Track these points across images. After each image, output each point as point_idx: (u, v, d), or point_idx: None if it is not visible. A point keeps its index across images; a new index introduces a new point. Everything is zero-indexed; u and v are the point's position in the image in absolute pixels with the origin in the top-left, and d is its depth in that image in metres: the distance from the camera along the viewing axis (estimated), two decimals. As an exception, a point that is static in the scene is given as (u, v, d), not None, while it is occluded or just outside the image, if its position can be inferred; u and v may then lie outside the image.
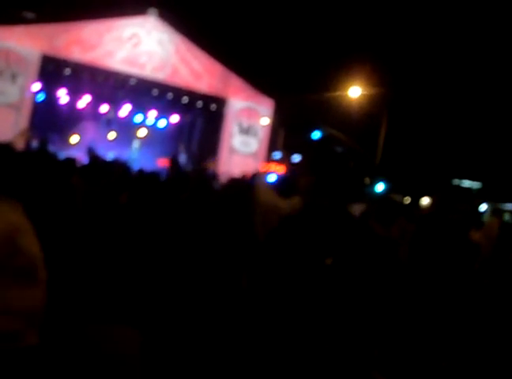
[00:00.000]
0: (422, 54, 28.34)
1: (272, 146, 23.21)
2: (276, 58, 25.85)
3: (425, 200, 22.16)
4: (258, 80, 22.07)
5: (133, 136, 23.90)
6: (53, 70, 19.07)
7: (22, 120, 18.41)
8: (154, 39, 20.34)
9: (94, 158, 6.84)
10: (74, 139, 22.62)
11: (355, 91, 23.74)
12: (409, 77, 27.96)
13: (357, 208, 6.44)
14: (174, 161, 7.49)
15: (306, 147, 25.61)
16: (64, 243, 5.84)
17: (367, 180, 28.03)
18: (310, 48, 27.26)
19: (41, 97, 20.08)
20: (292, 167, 21.68)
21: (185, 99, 21.16)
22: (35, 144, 17.15)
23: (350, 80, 23.89)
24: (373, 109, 25.28)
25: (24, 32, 18.53)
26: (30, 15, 22.33)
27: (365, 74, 24.22)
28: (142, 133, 23.70)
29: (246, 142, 21.87)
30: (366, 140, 26.24)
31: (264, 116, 21.95)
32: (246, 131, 21.80)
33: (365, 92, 23.77)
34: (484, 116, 29.78)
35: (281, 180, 8.23)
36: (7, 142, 8.40)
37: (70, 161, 7.97)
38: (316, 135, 25.51)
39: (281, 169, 22.53)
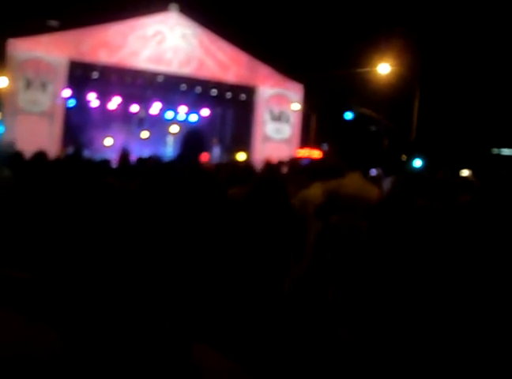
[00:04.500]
0: (453, 23, 27.78)
1: (305, 131, 23.07)
2: (302, 41, 25.62)
3: (464, 173, 21.78)
4: (286, 65, 21.93)
5: (166, 133, 24.00)
6: (81, 75, 19.26)
7: (55, 127, 18.65)
8: (178, 34, 20.34)
9: (125, 157, 6.85)
10: (108, 141, 22.81)
11: (384, 68, 23.41)
12: (439, 48, 27.45)
13: (388, 182, 6.34)
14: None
15: (339, 129, 25.45)
16: (103, 239, 5.85)
17: (404, 157, 27.71)
18: (335, 27, 26.95)
19: (72, 103, 20.27)
20: (327, 151, 21.54)
21: (214, 92, 21.14)
22: (70, 150, 17.37)
23: (379, 57, 23.57)
24: (404, 84, 24.88)
25: (50, 41, 18.76)
26: (54, 23, 22.59)
27: (394, 49, 23.87)
28: (174, 129, 23.76)
29: (279, 129, 21.77)
30: (399, 116, 25.90)
31: (294, 101, 21.81)
32: (277, 118, 21.70)
33: (395, 68, 23.42)
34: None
35: (313, 164, 8.10)
36: (42, 150, 8.49)
37: (104, 162, 8.02)
38: (348, 116, 25.31)
39: (316, 153, 22.40)
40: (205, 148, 5.03)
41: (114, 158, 9.76)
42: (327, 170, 5.81)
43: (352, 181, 5.55)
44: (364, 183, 5.80)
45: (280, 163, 8.93)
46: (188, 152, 4.78)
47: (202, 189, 4.72)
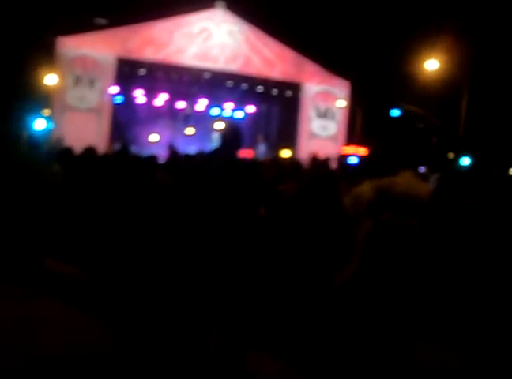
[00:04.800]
0: (502, 19, 27.16)
1: (351, 128, 22.86)
2: (348, 38, 25.37)
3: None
4: (332, 62, 21.74)
5: (211, 129, 24.05)
6: (128, 72, 19.48)
7: (103, 123, 18.87)
8: (224, 31, 20.37)
9: (174, 153, 6.85)
10: (153, 137, 22.97)
11: (432, 64, 23.03)
12: (490, 43, 26.87)
13: (434, 180, 6.22)
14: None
15: (386, 126, 25.15)
16: (151, 234, 5.88)
17: (451, 154, 27.23)
18: (383, 22, 26.60)
19: (119, 99, 20.49)
20: (374, 148, 21.28)
21: (260, 88, 21.15)
22: (117, 146, 17.56)
23: (427, 53, 23.19)
24: (452, 80, 24.44)
25: (97, 38, 19.00)
26: (102, 21, 22.86)
27: (442, 45, 23.45)
28: (219, 125, 23.78)
29: (325, 126, 21.62)
30: (447, 113, 25.46)
31: (340, 98, 21.64)
32: (323, 115, 21.55)
33: (443, 64, 23.01)
34: None
35: (364, 161, 8.00)
36: (91, 146, 8.57)
37: (152, 158, 8.05)
38: (395, 113, 24.99)
39: (362, 151, 22.16)
40: (243, 144, 5.00)
41: (160, 154, 9.82)
42: (379, 167, 5.72)
43: (404, 179, 5.46)
44: (416, 181, 5.70)
45: (328, 160, 8.85)
46: (225, 148, 4.76)
47: (240, 184, 4.69)
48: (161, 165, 7.41)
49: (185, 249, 5.25)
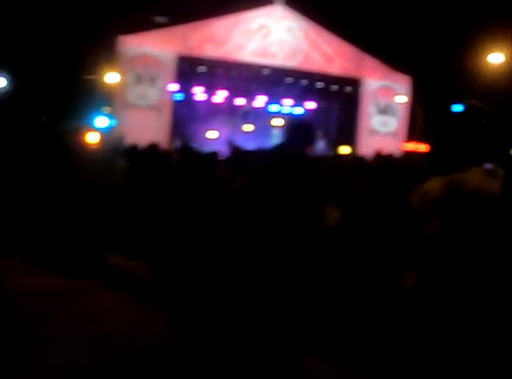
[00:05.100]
0: None
1: (412, 124, 22.47)
2: (409, 32, 24.93)
3: None
4: (393, 57, 21.42)
5: (271, 126, 24.02)
6: (188, 69, 19.64)
7: (163, 120, 19.09)
8: (283, 27, 20.34)
9: (236, 149, 6.83)
10: (212, 134, 23.09)
11: (496, 57, 22.42)
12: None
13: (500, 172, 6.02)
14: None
15: (448, 121, 24.63)
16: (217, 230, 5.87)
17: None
18: (444, 17, 26.04)
19: (179, 96, 20.68)
20: (436, 144, 20.84)
21: (319, 84, 21.02)
22: (177, 143, 17.72)
23: (490, 46, 22.59)
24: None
25: (158, 36, 19.24)
26: (162, 19, 23.11)
27: (506, 38, 22.80)
28: (277, 122, 23.75)
29: (385, 122, 21.37)
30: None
31: (401, 94, 21.32)
32: (384, 110, 21.32)
33: (508, 58, 22.37)
34: None
35: (430, 157, 7.80)
36: (153, 143, 8.64)
37: (213, 154, 8.05)
38: (458, 108, 24.45)
39: (423, 147, 21.76)
40: (313, 139, 4.86)
41: (219, 151, 9.83)
42: (447, 164, 5.56)
43: (475, 176, 5.30)
44: (486, 178, 5.53)
45: (391, 156, 8.69)
46: (294, 143, 4.63)
47: (308, 182, 4.57)
48: (223, 161, 7.39)
49: (248, 245, 5.21)
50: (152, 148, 7.48)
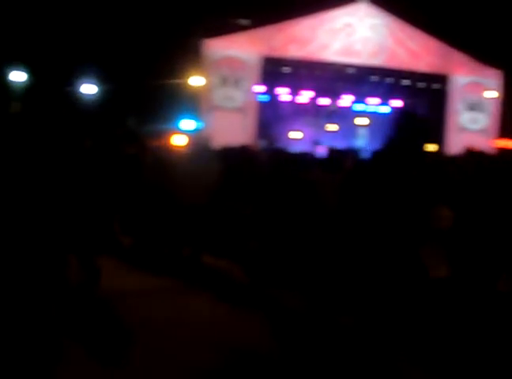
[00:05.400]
0: None
1: (504, 121, 21.70)
2: (499, 24, 24.08)
3: None
4: (483, 51, 20.75)
5: (355, 125, 23.78)
6: (273, 70, 19.72)
7: (249, 121, 19.25)
8: (367, 25, 20.13)
9: (332, 151, 6.79)
10: (296, 134, 23.09)
11: None
12: None
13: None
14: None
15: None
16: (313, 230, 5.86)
17: None
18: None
19: (265, 98, 20.79)
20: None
21: (406, 82, 20.64)
22: (263, 143, 17.80)
23: None
24: None
25: (242, 39, 19.45)
26: (245, 22, 23.27)
27: None
28: (362, 121, 23.49)
29: (475, 119, 20.76)
30: None
31: (491, 89, 20.64)
32: (473, 107, 20.71)
33: None
34: None
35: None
36: (243, 145, 8.69)
37: (305, 156, 8.03)
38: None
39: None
40: (430, 135, 4.70)
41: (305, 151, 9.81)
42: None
43: None
44: None
45: (483, 153, 8.41)
46: (409, 140, 4.51)
47: (420, 184, 4.46)
48: (317, 163, 7.36)
49: (345, 248, 5.17)
50: (244, 150, 7.54)
